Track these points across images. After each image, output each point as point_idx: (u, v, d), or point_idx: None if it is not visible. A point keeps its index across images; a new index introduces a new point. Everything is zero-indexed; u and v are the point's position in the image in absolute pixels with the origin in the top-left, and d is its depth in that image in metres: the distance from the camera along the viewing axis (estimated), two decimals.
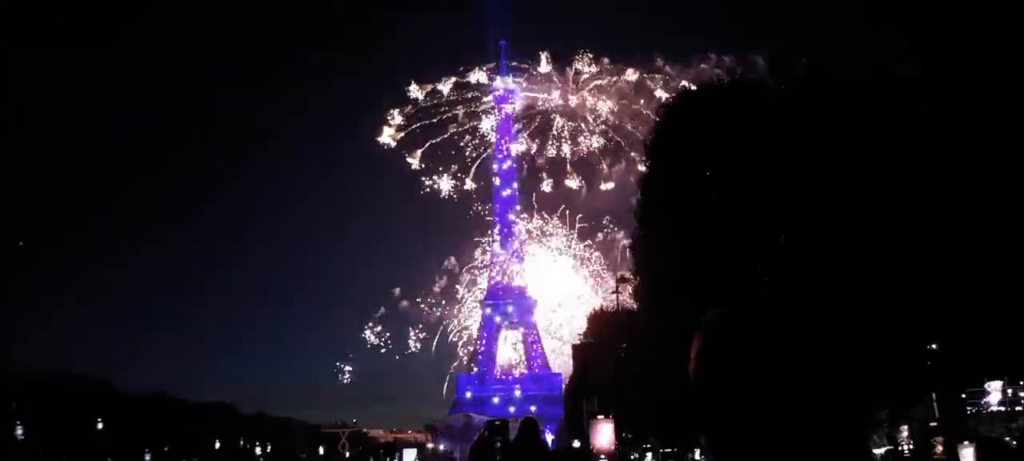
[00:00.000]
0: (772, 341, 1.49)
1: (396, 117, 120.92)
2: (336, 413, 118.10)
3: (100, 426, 51.80)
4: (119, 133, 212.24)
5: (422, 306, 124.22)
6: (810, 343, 1.53)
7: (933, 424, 21.95)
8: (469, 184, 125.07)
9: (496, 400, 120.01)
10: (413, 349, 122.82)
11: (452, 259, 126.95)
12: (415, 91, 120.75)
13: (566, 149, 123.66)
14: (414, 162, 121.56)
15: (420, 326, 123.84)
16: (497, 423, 16.12)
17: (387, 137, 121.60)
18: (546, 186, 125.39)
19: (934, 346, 22.35)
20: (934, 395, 24.84)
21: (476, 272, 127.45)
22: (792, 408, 1.47)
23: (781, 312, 1.57)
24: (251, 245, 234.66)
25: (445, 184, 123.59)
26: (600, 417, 22.62)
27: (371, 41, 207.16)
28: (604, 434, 22.12)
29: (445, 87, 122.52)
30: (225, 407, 79.10)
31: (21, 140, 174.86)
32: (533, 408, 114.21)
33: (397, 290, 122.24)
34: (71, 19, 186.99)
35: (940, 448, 19.81)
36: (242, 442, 71.95)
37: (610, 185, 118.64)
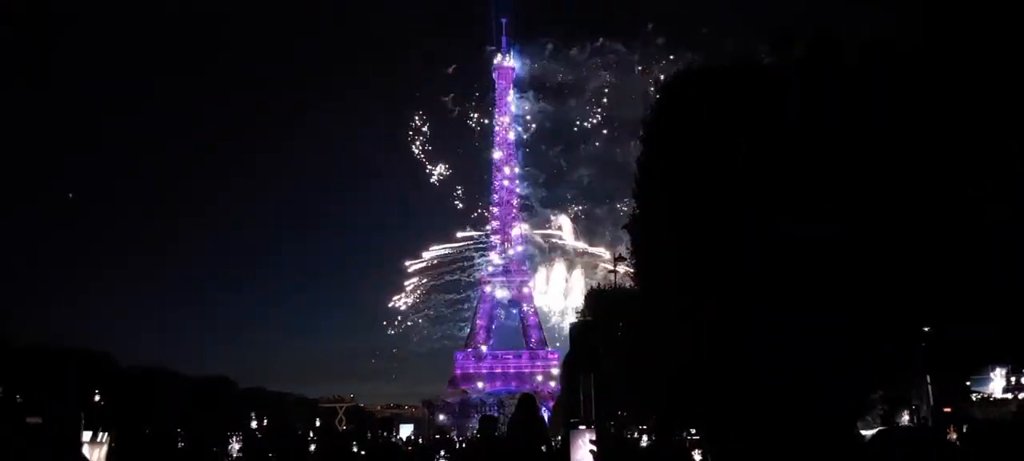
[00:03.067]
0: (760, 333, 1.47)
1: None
2: (334, 388, 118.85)
3: (98, 398, 52.00)
4: (124, 112, 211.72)
5: (421, 283, 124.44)
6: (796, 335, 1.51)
7: (947, 409, 22.01)
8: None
9: (493, 375, 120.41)
10: (411, 324, 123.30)
11: (457, 234, 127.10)
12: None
13: (569, 125, 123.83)
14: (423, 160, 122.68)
15: (417, 298, 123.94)
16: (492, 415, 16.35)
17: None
18: (544, 159, 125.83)
19: (928, 329, 22.36)
20: (929, 378, 24.89)
21: (473, 248, 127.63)
22: (784, 393, 1.46)
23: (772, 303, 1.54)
24: (252, 221, 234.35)
25: (440, 168, 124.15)
26: (582, 428, 20.52)
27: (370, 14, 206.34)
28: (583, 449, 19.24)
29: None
30: (223, 381, 79.34)
31: (29, 116, 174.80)
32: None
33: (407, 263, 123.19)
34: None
35: (953, 435, 20.00)
36: (256, 421, 72.39)
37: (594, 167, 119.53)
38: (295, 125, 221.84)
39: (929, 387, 25.40)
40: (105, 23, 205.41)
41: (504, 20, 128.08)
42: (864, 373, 22.54)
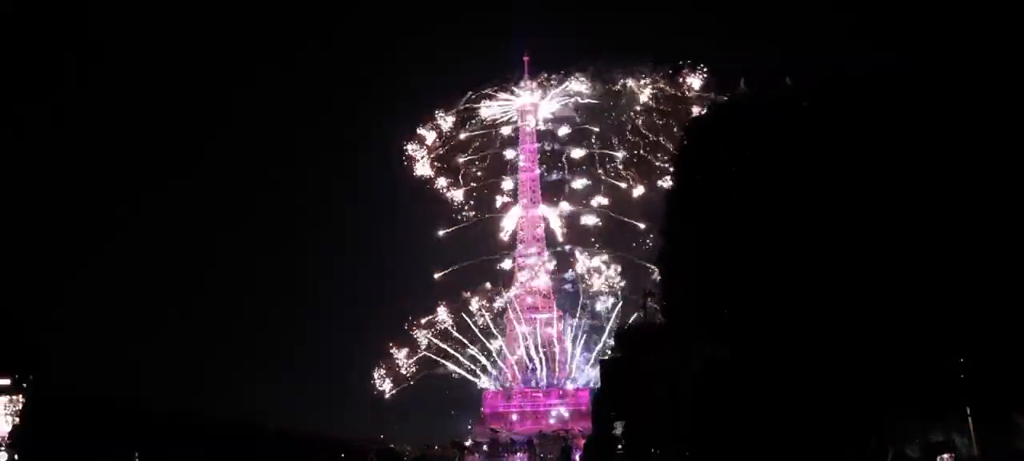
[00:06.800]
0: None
1: (426, 139, 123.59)
2: (362, 428, 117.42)
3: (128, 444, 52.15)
4: (134, 137, 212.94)
5: (450, 318, 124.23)
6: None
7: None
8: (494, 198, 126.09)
9: (523, 414, 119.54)
10: (441, 364, 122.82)
11: (488, 284, 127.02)
12: (441, 119, 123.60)
13: (593, 162, 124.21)
14: (449, 189, 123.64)
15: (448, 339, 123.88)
16: None
17: (422, 167, 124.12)
18: (572, 193, 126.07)
19: (963, 360, 21.72)
20: (969, 410, 24.10)
21: (503, 285, 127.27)
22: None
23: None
24: (278, 257, 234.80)
25: (469, 202, 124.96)
26: None
27: (394, 54, 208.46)
28: None
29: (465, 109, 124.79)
30: (249, 423, 79.30)
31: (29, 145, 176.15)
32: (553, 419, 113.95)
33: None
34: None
35: None
36: None
37: (639, 189, 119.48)
38: (321, 164, 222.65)
39: (970, 421, 24.58)
40: (118, 58, 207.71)
41: (527, 58, 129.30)
42: (897, 410, 21.98)
